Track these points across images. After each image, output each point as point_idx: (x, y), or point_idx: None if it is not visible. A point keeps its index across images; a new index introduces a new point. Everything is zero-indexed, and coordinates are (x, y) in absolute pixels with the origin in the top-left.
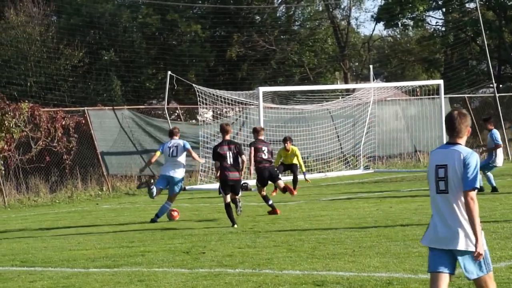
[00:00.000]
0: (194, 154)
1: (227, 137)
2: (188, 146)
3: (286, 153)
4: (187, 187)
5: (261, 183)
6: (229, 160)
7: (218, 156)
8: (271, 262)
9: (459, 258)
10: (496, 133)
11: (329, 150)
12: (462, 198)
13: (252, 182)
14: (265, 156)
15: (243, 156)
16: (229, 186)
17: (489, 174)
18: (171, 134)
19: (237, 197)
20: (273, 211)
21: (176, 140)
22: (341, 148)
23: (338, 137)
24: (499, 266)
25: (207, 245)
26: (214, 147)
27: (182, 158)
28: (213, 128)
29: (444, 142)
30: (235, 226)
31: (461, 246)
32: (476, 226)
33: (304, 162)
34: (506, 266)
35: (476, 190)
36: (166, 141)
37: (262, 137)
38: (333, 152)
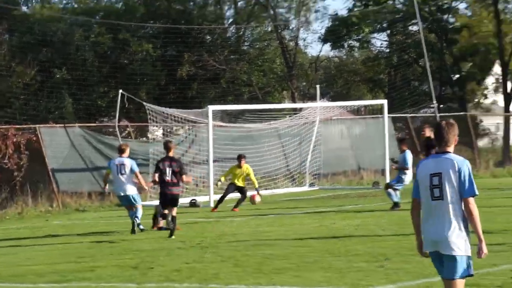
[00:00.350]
0: (141, 180)
1: (170, 154)
2: (136, 169)
3: (239, 170)
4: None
5: (162, 206)
6: (168, 176)
7: (158, 170)
8: (217, 277)
9: (444, 259)
10: (408, 154)
11: (276, 167)
12: (456, 205)
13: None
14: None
15: (183, 176)
16: (168, 201)
17: (392, 191)
18: (119, 151)
19: (174, 214)
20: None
21: (123, 158)
22: (288, 165)
23: (285, 155)
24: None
25: (155, 260)
26: (157, 161)
27: (130, 176)
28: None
29: (387, 160)
30: (172, 237)
31: (446, 250)
32: (479, 229)
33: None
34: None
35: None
36: (114, 157)
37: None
38: (280, 169)
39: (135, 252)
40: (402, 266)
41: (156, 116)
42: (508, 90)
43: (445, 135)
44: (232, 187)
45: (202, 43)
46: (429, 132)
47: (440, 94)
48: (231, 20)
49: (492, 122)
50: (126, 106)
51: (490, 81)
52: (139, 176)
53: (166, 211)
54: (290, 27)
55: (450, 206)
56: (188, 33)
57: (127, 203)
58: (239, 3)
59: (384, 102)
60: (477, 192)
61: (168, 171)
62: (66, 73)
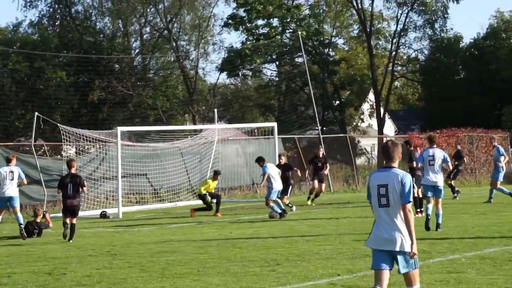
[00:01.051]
0: (25, 181)
1: (72, 171)
2: (22, 175)
3: (215, 182)
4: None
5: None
6: (69, 190)
7: (61, 185)
8: (125, 281)
9: (398, 256)
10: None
11: (179, 182)
12: (400, 210)
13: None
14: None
15: (84, 187)
16: (68, 211)
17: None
18: (8, 161)
19: (74, 222)
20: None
21: (12, 167)
22: (190, 180)
23: (187, 171)
24: (321, 282)
25: (68, 266)
26: (60, 178)
27: (16, 181)
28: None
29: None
30: (71, 241)
31: (398, 247)
32: (412, 232)
33: (156, 193)
34: (326, 283)
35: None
36: (2, 166)
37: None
38: (183, 184)
39: (49, 259)
40: (291, 270)
41: (69, 136)
42: (381, 115)
43: (391, 153)
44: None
45: (111, 71)
46: (321, 151)
47: (323, 118)
48: (137, 50)
49: (368, 143)
50: (42, 127)
51: (365, 107)
52: (24, 179)
53: (67, 220)
54: (191, 58)
55: (395, 212)
56: (99, 62)
57: (6, 205)
58: (145, 36)
59: (275, 124)
60: (411, 199)
61: (70, 186)
62: None
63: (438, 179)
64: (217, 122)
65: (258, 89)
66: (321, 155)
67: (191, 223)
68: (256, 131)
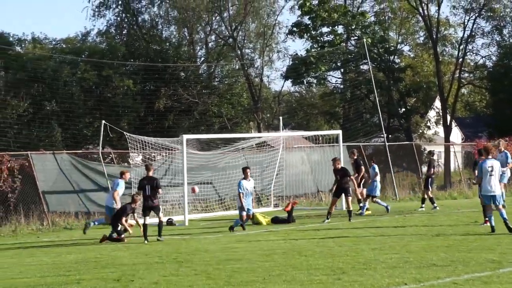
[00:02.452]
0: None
1: (149, 174)
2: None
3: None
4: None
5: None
6: (147, 191)
7: (140, 187)
8: None
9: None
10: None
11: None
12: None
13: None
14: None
15: (159, 189)
16: (149, 210)
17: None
18: (147, 169)
19: (161, 218)
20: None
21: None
22: (255, 188)
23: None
24: None
25: (135, 273)
26: (139, 180)
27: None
28: (143, 170)
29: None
30: (160, 239)
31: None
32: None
33: (222, 201)
34: None
35: None
36: (116, 179)
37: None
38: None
39: (117, 266)
40: (356, 279)
41: (136, 143)
42: (448, 122)
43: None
44: None
45: (177, 79)
46: (338, 164)
47: (389, 126)
48: (202, 58)
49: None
50: (109, 135)
51: (432, 114)
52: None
53: (147, 219)
54: (255, 65)
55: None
56: (165, 70)
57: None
58: (210, 44)
59: (339, 132)
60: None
61: (147, 187)
62: (55, 106)
63: (497, 188)
64: (282, 129)
65: (323, 96)
66: (339, 167)
67: (257, 231)
68: (320, 138)
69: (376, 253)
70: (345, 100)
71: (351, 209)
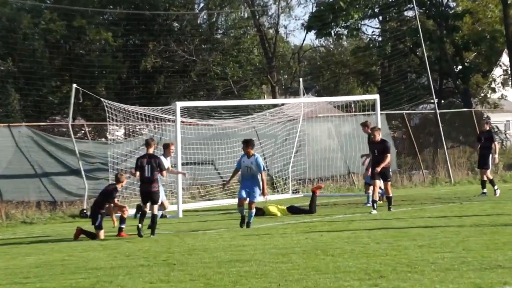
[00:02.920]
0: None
1: (150, 151)
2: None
3: None
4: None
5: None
6: (147, 172)
7: (138, 167)
8: None
9: None
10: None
11: None
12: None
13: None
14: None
15: (164, 172)
16: (146, 197)
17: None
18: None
19: (155, 211)
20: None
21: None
22: (268, 169)
23: (264, 157)
24: None
25: (113, 280)
26: (136, 159)
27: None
28: (124, 148)
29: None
30: (153, 236)
31: None
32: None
33: (223, 186)
34: None
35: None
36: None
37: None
38: None
39: (90, 270)
40: (398, 285)
41: (116, 114)
42: None
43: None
44: None
45: (169, 31)
46: (377, 134)
47: (441, 88)
48: (202, 4)
49: (501, 120)
50: (82, 102)
51: (497, 73)
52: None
53: (146, 208)
54: (269, 13)
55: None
56: (153, 20)
57: None
58: None
59: (377, 97)
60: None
61: (147, 167)
62: (12, 65)
63: None
64: (303, 95)
65: (356, 52)
66: (378, 139)
67: (269, 224)
68: (353, 105)
69: (423, 251)
70: (385, 56)
71: (391, 195)
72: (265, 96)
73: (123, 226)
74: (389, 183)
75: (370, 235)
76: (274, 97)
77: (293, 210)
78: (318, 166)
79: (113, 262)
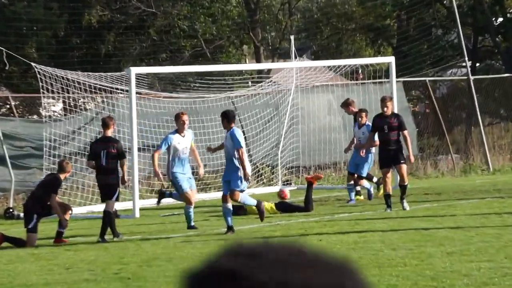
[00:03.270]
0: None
1: (108, 133)
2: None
3: None
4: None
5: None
6: (102, 159)
7: (93, 155)
8: None
9: None
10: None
11: None
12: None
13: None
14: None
15: (124, 160)
16: (101, 191)
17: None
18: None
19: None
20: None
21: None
22: (250, 155)
23: (245, 139)
24: None
25: None
26: (91, 144)
27: None
28: (64, 127)
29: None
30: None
31: None
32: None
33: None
34: None
35: None
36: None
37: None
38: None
39: None
40: None
41: (52, 83)
42: None
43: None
44: None
45: None
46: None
47: (475, 48)
48: None
49: None
50: (7, 68)
51: None
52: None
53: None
54: None
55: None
56: None
57: None
58: None
59: (391, 60)
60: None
61: (103, 153)
62: None
63: None
64: (296, 57)
65: (365, 1)
66: (388, 112)
67: (253, 225)
68: (360, 71)
69: (453, 260)
70: (402, 6)
71: (406, 183)
72: (247, 60)
73: (62, 230)
74: (404, 166)
75: (383, 239)
76: (258, 61)
77: (283, 207)
78: (315, 151)
79: (49, 277)
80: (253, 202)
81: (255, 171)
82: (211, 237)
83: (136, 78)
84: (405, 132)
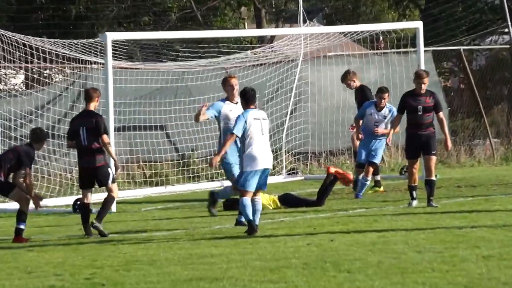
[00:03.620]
0: None
1: (90, 107)
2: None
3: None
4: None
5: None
6: (83, 139)
7: (72, 133)
8: None
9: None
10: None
11: None
12: None
13: None
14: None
15: (105, 136)
16: (88, 179)
17: None
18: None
19: (112, 194)
20: None
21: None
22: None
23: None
24: None
25: None
26: (71, 121)
27: None
28: (25, 105)
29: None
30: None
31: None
32: None
33: (184, 162)
34: None
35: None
36: None
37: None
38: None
39: None
40: None
41: (11, 51)
42: None
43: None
44: None
45: None
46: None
47: None
48: None
49: None
50: None
51: None
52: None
53: (88, 198)
54: None
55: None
56: None
57: None
58: None
59: (419, 25)
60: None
61: (83, 132)
62: None
63: None
64: (304, 22)
65: None
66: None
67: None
68: (382, 38)
69: (491, 265)
70: None
71: (434, 178)
72: (246, 25)
73: (22, 226)
74: (434, 158)
75: (407, 240)
76: (259, 26)
77: (289, 200)
78: (327, 133)
79: (7, 283)
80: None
81: None
82: (202, 235)
83: (113, 46)
84: (441, 114)
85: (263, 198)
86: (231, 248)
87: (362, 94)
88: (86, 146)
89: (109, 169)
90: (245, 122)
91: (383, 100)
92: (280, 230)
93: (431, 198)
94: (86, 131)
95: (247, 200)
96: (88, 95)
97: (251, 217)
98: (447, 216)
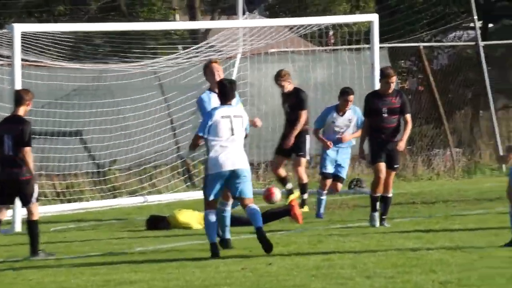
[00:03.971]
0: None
1: (19, 112)
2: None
3: None
4: None
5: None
6: (6, 148)
7: None
8: None
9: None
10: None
11: (158, 150)
12: None
13: None
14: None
15: (27, 148)
16: (9, 193)
17: None
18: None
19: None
20: None
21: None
22: (178, 147)
23: (172, 123)
24: None
25: None
26: None
27: None
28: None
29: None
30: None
31: None
32: None
33: (103, 174)
34: None
35: None
36: None
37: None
38: (164, 153)
39: None
40: None
41: None
42: None
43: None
44: None
45: None
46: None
47: (489, 2)
48: None
49: None
50: None
51: None
52: None
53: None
54: None
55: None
56: None
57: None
58: None
59: (374, 18)
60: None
61: (6, 140)
62: None
63: None
64: (244, 13)
65: None
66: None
67: (188, 243)
68: (332, 33)
69: None
70: None
71: (390, 194)
72: (178, 17)
73: None
74: (394, 173)
75: (355, 263)
76: (192, 18)
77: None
78: (268, 142)
79: None
80: None
81: (183, 168)
82: (120, 259)
83: (22, 39)
84: (408, 116)
85: (191, 216)
86: (154, 274)
87: (296, 99)
88: (10, 156)
89: (35, 185)
90: (210, 120)
91: (348, 103)
92: (220, 257)
93: (383, 217)
94: (12, 139)
95: (209, 214)
96: (19, 97)
97: (214, 239)
98: (400, 237)
